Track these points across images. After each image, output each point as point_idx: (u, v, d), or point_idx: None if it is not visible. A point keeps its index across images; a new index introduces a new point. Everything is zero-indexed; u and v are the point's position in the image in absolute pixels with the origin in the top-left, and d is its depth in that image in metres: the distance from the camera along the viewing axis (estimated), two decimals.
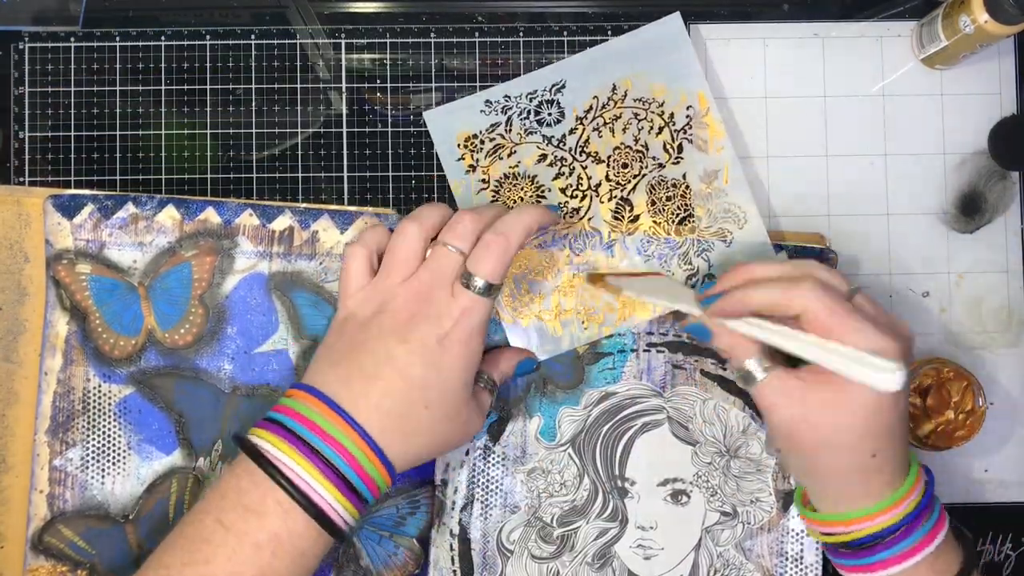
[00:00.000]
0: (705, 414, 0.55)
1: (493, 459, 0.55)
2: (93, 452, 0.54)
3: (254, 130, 0.58)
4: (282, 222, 0.55)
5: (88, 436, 0.54)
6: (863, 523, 0.46)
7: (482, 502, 0.55)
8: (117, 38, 0.58)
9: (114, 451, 0.55)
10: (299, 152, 0.58)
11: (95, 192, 0.55)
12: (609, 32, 0.58)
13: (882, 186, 0.58)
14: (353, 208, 0.56)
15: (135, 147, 0.58)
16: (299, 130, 0.58)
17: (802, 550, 0.54)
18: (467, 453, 0.55)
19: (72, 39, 0.58)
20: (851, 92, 0.58)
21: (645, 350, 0.55)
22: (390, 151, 0.58)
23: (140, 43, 0.58)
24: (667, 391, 0.55)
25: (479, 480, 0.55)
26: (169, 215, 0.55)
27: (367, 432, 0.45)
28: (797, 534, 0.55)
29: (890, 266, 0.58)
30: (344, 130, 0.59)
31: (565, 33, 0.58)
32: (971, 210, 0.58)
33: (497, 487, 0.55)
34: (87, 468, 0.54)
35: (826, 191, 0.58)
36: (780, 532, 0.55)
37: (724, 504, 0.55)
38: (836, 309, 0.44)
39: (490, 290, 0.47)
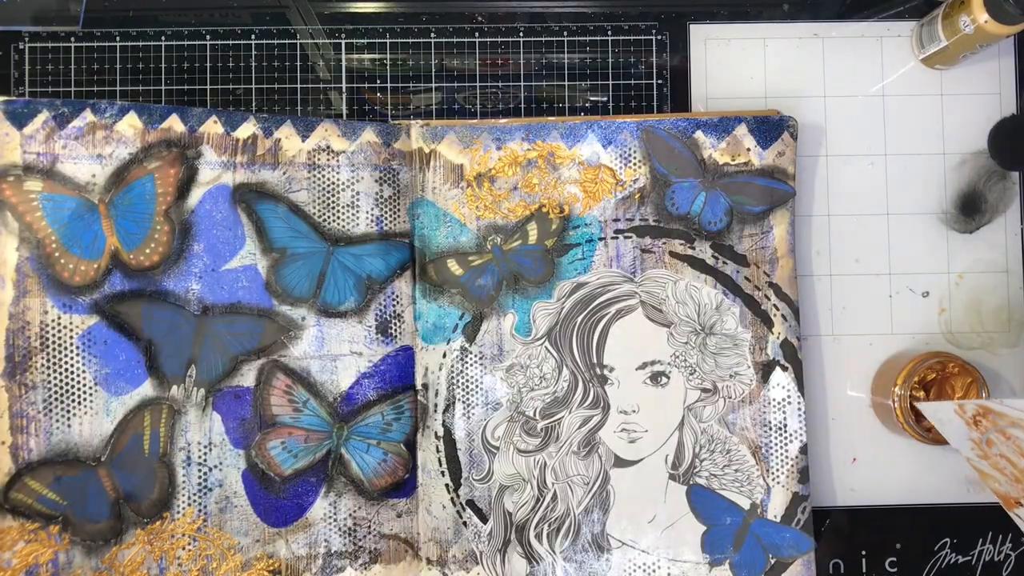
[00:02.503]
0: (677, 294, 0.55)
1: (470, 359, 0.55)
2: (56, 392, 0.51)
3: None
4: (246, 129, 0.53)
5: (49, 375, 0.50)
6: None
7: (463, 402, 0.55)
8: (117, 38, 0.58)
9: (79, 389, 0.51)
10: None
11: (52, 100, 0.52)
12: (609, 32, 0.58)
13: (882, 186, 0.58)
14: (316, 119, 0.54)
15: None
16: None
17: (785, 418, 0.55)
18: (444, 356, 0.55)
19: (72, 39, 0.58)
20: (851, 92, 0.58)
21: (613, 237, 0.55)
22: None
23: (140, 43, 0.58)
24: (638, 275, 0.55)
25: (458, 381, 0.55)
26: (130, 123, 0.52)
27: None
28: (779, 403, 0.55)
29: (890, 266, 0.58)
30: None
31: (565, 33, 0.58)
32: (971, 210, 0.58)
33: (477, 386, 0.55)
34: (51, 411, 0.50)
35: (826, 191, 0.58)
36: (762, 403, 0.55)
37: (704, 381, 0.55)
38: None
39: None
